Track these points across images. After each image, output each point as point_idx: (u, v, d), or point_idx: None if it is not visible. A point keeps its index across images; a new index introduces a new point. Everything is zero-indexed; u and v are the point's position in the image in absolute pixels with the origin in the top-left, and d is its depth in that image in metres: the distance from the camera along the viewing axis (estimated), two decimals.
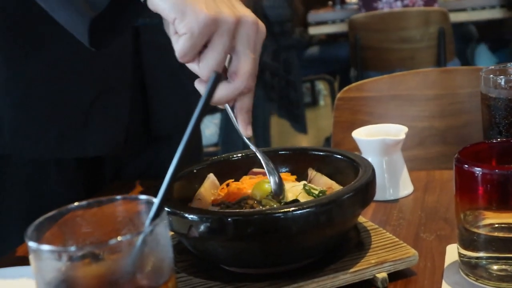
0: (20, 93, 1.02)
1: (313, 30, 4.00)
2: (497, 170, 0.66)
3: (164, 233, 0.45)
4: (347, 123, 1.53)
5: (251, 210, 0.71)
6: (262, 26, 0.72)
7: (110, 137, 1.07)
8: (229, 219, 0.66)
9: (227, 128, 3.40)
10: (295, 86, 4.20)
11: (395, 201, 0.96)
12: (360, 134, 1.00)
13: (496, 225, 0.69)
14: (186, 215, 0.67)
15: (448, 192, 0.97)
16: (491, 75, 0.79)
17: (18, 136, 1.03)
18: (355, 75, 3.38)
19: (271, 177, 0.76)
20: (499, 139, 0.78)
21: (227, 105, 0.75)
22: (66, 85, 1.03)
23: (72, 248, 0.42)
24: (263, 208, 0.71)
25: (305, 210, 0.66)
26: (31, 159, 1.06)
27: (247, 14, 0.70)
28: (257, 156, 0.78)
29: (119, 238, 0.42)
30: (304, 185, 0.79)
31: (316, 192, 0.77)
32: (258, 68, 0.72)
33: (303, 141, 4.70)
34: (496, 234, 0.68)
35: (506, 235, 0.68)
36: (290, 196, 0.77)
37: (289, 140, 4.67)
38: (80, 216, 0.47)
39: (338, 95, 1.52)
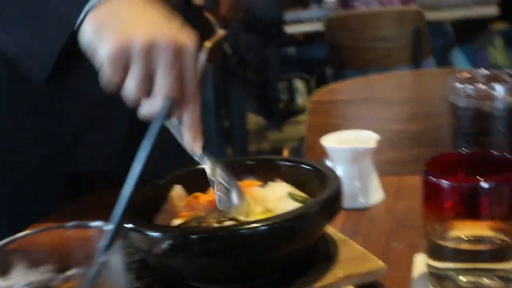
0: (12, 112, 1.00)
1: (289, 29, 3.99)
2: (464, 183, 0.65)
3: (117, 265, 0.43)
4: (320, 126, 1.52)
5: (216, 226, 0.70)
6: (183, 41, 0.70)
7: (106, 153, 1.04)
8: (192, 236, 0.64)
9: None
10: (273, 83, 4.20)
11: (366, 209, 0.95)
12: (331, 141, 0.98)
13: (464, 237, 0.68)
14: (148, 232, 0.66)
15: (419, 198, 0.96)
16: (459, 84, 0.78)
17: (7, 149, 1.01)
18: (331, 73, 3.38)
19: (232, 191, 0.74)
20: (468, 150, 0.77)
21: (171, 122, 0.73)
22: (60, 104, 1.01)
23: (17, 285, 0.40)
24: (228, 225, 0.69)
25: (270, 226, 0.64)
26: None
27: (161, 34, 0.69)
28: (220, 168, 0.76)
29: (68, 273, 0.40)
30: (289, 193, 0.77)
31: (302, 198, 0.76)
32: (194, 82, 0.71)
33: (280, 139, 4.69)
34: (463, 246, 0.67)
35: (474, 247, 0.67)
36: (272, 201, 0.76)
37: (266, 137, 4.66)
38: (29, 244, 0.45)
39: (312, 98, 1.51)
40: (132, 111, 1.06)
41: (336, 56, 3.26)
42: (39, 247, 0.46)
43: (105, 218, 1.01)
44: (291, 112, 4.82)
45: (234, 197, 0.74)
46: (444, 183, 0.65)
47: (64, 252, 0.48)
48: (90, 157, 1.05)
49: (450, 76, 1.52)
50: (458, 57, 3.88)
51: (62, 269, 0.48)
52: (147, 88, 0.70)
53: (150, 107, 0.70)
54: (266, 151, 4.52)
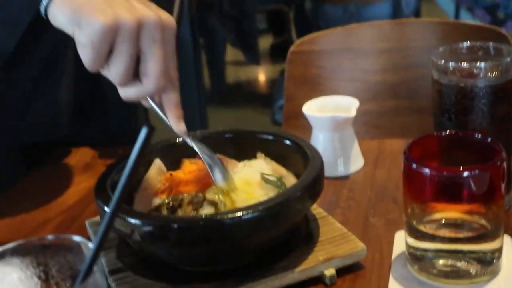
0: None
1: None
2: (445, 172, 0.65)
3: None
4: (300, 77, 1.50)
5: (196, 216, 0.69)
6: (167, 21, 0.68)
7: (51, 122, 1.02)
8: (172, 226, 0.64)
9: None
10: (250, 16, 4.12)
11: (346, 177, 0.95)
12: (311, 108, 0.97)
13: (443, 221, 0.69)
14: (128, 219, 0.65)
15: (398, 165, 0.96)
16: (442, 60, 0.77)
17: None
18: (310, 7, 3.32)
19: (214, 169, 0.75)
20: (448, 128, 0.76)
21: (151, 101, 0.72)
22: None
23: None
24: (208, 214, 0.69)
25: (251, 215, 0.64)
26: None
27: (148, 13, 0.67)
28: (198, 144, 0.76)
29: None
30: (262, 174, 0.77)
31: (274, 179, 0.76)
32: (175, 64, 0.70)
33: (258, 71, 4.65)
34: (442, 232, 0.68)
35: (453, 234, 0.68)
36: (243, 184, 0.75)
37: (243, 70, 4.62)
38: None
39: (291, 48, 1.49)
40: (77, 78, 1.03)
41: None
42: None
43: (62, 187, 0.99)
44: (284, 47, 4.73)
45: (217, 176, 0.75)
46: (425, 170, 0.65)
47: (44, 262, 0.48)
48: (38, 127, 1.03)
49: (430, 26, 1.52)
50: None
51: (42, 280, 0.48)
52: (134, 69, 0.68)
53: (139, 91, 0.68)
54: (244, 83, 4.49)
